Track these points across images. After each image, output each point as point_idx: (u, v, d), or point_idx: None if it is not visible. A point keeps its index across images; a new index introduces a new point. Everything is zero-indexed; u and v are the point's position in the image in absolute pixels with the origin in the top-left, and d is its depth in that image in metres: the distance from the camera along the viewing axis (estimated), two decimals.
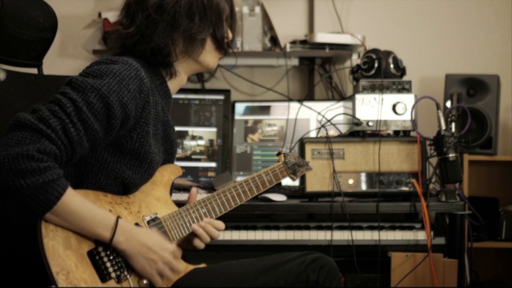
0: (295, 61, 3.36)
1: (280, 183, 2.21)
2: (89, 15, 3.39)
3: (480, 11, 3.48)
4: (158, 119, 1.86)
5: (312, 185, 2.68)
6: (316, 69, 3.43)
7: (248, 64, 3.35)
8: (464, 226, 2.65)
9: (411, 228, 2.68)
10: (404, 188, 2.71)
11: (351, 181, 2.71)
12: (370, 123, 2.72)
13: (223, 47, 1.96)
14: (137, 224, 1.80)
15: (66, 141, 1.64)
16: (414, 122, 2.72)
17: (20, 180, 1.55)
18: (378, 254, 2.62)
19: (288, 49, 3.21)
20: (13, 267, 1.79)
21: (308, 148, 2.69)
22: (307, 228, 2.67)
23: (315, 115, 3.11)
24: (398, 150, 2.72)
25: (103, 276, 1.68)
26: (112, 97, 1.70)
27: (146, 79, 1.79)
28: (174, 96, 2.00)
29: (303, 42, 3.24)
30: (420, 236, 2.64)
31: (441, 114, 2.66)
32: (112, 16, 3.20)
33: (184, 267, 1.86)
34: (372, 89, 2.76)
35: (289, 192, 2.86)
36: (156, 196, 1.89)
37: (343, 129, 2.89)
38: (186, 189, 2.84)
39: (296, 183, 2.55)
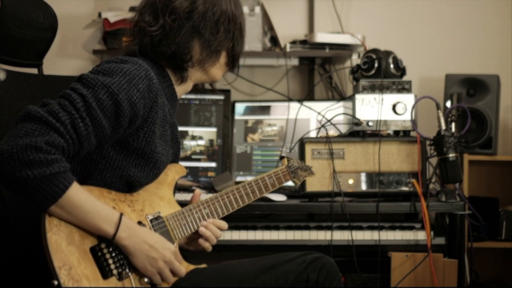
0: (295, 61, 3.36)
1: None
2: (89, 15, 3.39)
3: (480, 11, 3.48)
4: (165, 121, 1.87)
5: (312, 185, 2.68)
6: (316, 69, 3.43)
7: (248, 64, 3.35)
8: (464, 226, 2.65)
9: (411, 228, 2.68)
10: (404, 188, 2.71)
11: (351, 181, 2.71)
12: (370, 123, 2.72)
13: (235, 64, 2.01)
14: (140, 222, 1.81)
15: (74, 136, 1.65)
16: (414, 122, 2.72)
17: (27, 170, 1.55)
18: (378, 254, 2.62)
19: (288, 49, 3.21)
20: (13, 267, 1.79)
21: (308, 148, 2.69)
22: (307, 228, 2.67)
23: (315, 115, 3.11)
24: (398, 150, 2.72)
25: (105, 272, 1.69)
26: (122, 95, 1.71)
27: (155, 80, 1.80)
28: None
29: (303, 42, 3.24)
30: (420, 236, 2.64)
31: (441, 114, 2.66)
32: (112, 16, 3.20)
33: (185, 267, 1.87)
34: (372, 89, 2.77)
35: (289, 192, 2.87)
36: (160, 195, 1.90)
37: (343, 129, 2.90)
38: (187, 189, 2.84)
39: None
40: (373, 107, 2.74)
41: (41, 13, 2.30)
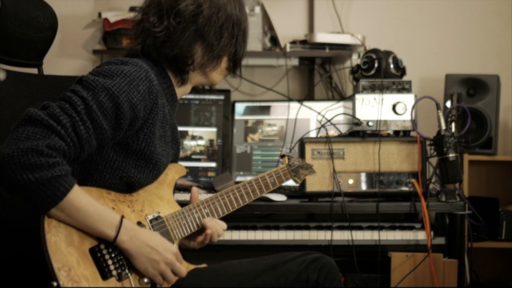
0: (295, 61, 3.36)
1: None
2: (89, 15, 3.39)
3: (480, 11, 3.48)
4: (166, 122, 1.87)
5: (312, 185, 2.68)
6: (316, 69, 3.43)
7: (248, 64, 3.35)
8: (464, 226, 2.65)
9: (411, 228, 2.68)
10: (404, 188, 2.71)
11: (351, 181, 2.71)
12: (370, 123, 2.72)
13: (236, 69, 2.01)
14: (139, 222, 1.81)
15: (75, 139, 1.65)
16: (414, 122, 2.72)
17: (28, 174, 1.55)
18: (378, 254, 2.62)
19: (288, 49, 3.21)
20: (13, 268, 1.79)
21: (308, 148, 2.69)
22: (307, 228, 2.67)
23: (315, 115, 3.11)
24: (398, 150, 2.72)
25: (104, 273, 1.69)
26: (122, 97, 1.71)
27: (155, 81, 1.80)
28: None
29: (303, 42, 3.24)
30: (420, 236, 2.64)
31: (441, 114, 2.66)
32: (112, 16, 3.20)
33: (185, 267, 1.87)
34: (372, 89, 2.77)
35: (289, 192, 2.87)
36: (160, 195, 1.90)
37: (343, 129, 2.89)
38: (186, 189, 2.84)
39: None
40: (373, 107, 2.74)
41: (41, 13, 2.29)
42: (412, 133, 2.76)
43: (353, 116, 2.73)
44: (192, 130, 3.22)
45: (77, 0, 3.40)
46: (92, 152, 1.74)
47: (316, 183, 2.68)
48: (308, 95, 3.39)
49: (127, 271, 1.72)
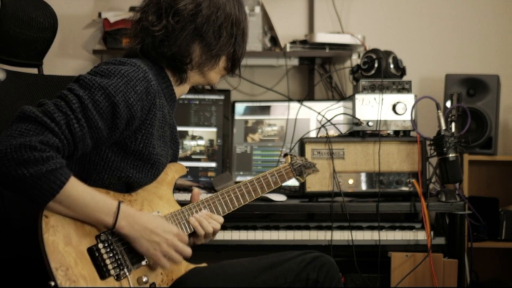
0: (295, 61, 3.36)
1: None
2: (89, 15, 3.39)
3: (479, 11, 3.48)
4: (165, 122, 1.87)
5: (312, 185, 2.68)
6: (316, 69, 3.43)
7: (248, 64, 3.35)
8: (464, 226, 2.65)
9: (411, 228, 2.68)
10: (404, 188, 2.71)
11: (351, 181, 2.71)
12: (370, 123, 2.72)
13: (235, 68, 2.01)
14: None
15: (69, 136, 1.65)
16: (414, 122, 2.72)
17: (23, 169, 1.55)
18: (378, 254, 2.62)
19: (288, 49, 3.21)
20: (12, 268, 1.79)
21: (308, 148, 2.69)
22: (307, 228, 2.67)
23: (315, 115, 3.11)
24: (398, 150, 2.72)
25: (102, 273, 1.68)
26: (118, 97, 1.71)
27: (153, 81, 1.80)
28: None
29: (303, 42, 3.24)
30: (420, 236, 2.64)
31: (441, 114, 2.66)
32: (112, 16, 3.20)
33: (185, 266, 1.87)
34: (372, 89, 2.77)
35: (289, 192, 2.87)
36: (159, 194, 1.90)
37: (343, 129, 2.89)
38: (186, 189, 2.84)
39: (296, 183, 2.55)
40: (373, 107, 2.74)
41: (41, 13, 2.30)
42: (412, 133, 2.76)
43: (353, 116, 2.73)
44: (192, 130, 3.22)
45: (77, 0, 3.41)
46: (87, 151, 1.74)
47: (316, 183, 2.68)
48: (308, 95, 3.39)
49: (125, 270, 1.72)
